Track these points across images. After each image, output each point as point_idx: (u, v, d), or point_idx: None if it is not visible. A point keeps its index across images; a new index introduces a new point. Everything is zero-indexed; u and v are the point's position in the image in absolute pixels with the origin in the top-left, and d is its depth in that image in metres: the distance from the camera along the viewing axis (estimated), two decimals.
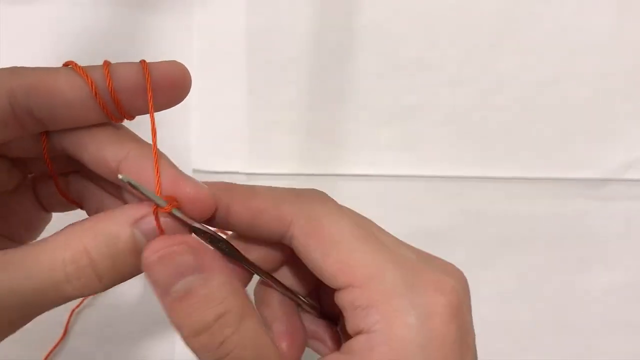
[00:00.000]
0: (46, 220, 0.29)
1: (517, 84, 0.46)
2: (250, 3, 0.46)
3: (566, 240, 0.46)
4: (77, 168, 0.26)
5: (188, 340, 0.22)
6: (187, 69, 0.23)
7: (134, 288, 0.44)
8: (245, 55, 0.46)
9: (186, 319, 0.22)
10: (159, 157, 0.23)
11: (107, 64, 0.22)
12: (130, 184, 0.22)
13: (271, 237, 0.25)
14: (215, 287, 0.22)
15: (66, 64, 0.22)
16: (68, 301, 0.22)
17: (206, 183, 0.24)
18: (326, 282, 0.24)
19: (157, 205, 0.22)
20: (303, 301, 0.28)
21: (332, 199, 0.26)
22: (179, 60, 0.23)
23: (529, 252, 0.46)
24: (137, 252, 0.22)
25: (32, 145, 0.24)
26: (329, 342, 0.29)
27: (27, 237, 0.28)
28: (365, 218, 0.26)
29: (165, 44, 0.46)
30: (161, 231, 0.23)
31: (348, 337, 0.24)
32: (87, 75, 0.22)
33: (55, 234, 0.22)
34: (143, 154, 0.23)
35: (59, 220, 0.27)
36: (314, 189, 0.26)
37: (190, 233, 0.24)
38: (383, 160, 0.46)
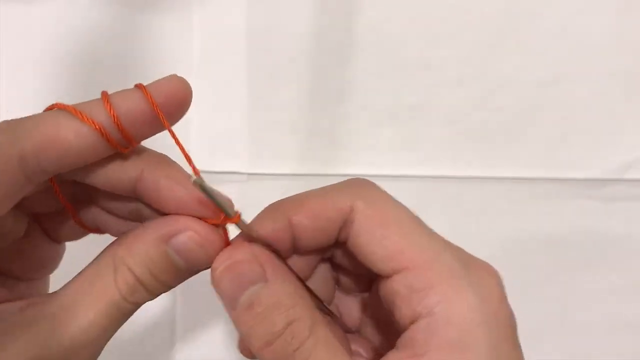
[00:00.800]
0: (60, 252, 0.29)
1: (517, 84, 0.46)
2: (250, 3, 0.46)
3: (566, 240, 0.46)
4: (85, 197, 0.26)
5: (260, 351, 0.22)
6: (187, 82, 0.23)
7: None
8: (245, 55, 0.46)
9: (256, 329, 0.22)
10: (173, 166, 0.24)
11: (106, 98, 0.22)
12: (203, 189, 0.22)
13: (332, 234, 0.25)
14: (283, 295, 0.23)
15: (52, 107, 0.22)
16: (127, 317, 0.25)
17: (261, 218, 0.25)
18: (379, 266, 0.24)
19: (227, 215, 0.23)
20: (329, 311, 0.28)
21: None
22: (177, 73, 0.23)
23: (529, 252, 0.46)
24: (173, 266, 0.24)
25: (40, 191, 0.24)
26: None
27: (45, 272, 0.29)
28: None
29: (165, 44, 0.46)
30: (227, 243, 0.24)
31: (368, 345, 0.25)
32: (90, 120, 0.21)
33: (99, 256, 0.24)
34: (156, 170, 0.23)
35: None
36: (360, 179, 0.27)
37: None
38: (383, 160, 0.46)
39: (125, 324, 0.47)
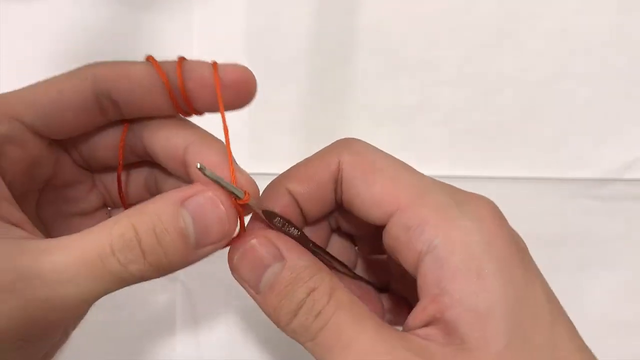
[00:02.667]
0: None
1: (517, 84, 0.46)
2: (250, 3, 0.46)
3: (566, 240, 0.46)
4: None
5: (287, 327, 0.23)
6: (252, 74, 0.25)
7: (134, 288, 0.43)
8: (245, 55, 0.46)
9: (280, 306, 0.23)
10: (220, 143, 0.25)
11: (181, 60, 0.24)
12: (206, 174, 0.22)
13: (330, 194, 0.26)
14: (301, 269, 0.23)
15: (147, 59, 0.24)
16: (116, 283, 0.22)
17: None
18: (373, 214, 0.24)
19: (236, 197, 0.23)
20: (355, 274, 0.29)
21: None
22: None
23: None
24: (182, 233, 0.21)
25: (109, 146, 0.27)
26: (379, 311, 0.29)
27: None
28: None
29: (165, 44, 0.46)
30: (242, 226, 0.24)
31: (395, 302, 0.25)
32: (160, 68, 0.23)
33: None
34: (205, 142, 0.25)
35: None
36: (346, 137, 0.27)
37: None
38: None
39: (125, 323, 0.47)
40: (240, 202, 0.23)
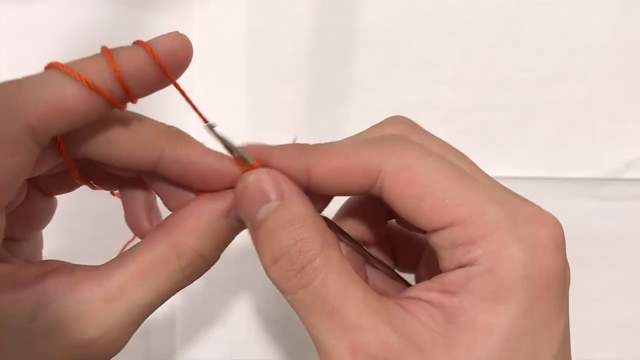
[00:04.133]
0: (53, 206, 0.29)
1: (517, 83, 0.46)
2: (250, 3, 0.46)
3: (566, 240, 0.46)
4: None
5: (268, 271, 0.23)
6: (187, 38, 0.23)
7: None
8: (245, 55, 0.46)
9: (267, 245, 0.23)
10: (184, 136, 0.25)
11: (108, 53, 0.22)
12: (217, 133, 0.23)
13: (357, 191, 0.24)
14: (297, 213, 0.23)
15: (51, 66, 0.22)
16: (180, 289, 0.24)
17: (278, 147, 0.25)
18: (421, 226, 0.23)
19: (246, 162, 0.24)
20: (371, 256, 0.28)
21: (419, 131, 0.26)
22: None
23: None
24: (234, 231, 0.25)
25: (54, 164, 0.24)
26: None
27: (39, 228, 0.28)
28: (457, 151, 0.26)
29: None
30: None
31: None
32: (87, 81, 0.21)
33: (152, 240, 0.24)
34: (177, 148, 0.24)
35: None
36: (394, 135, 0.25)
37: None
38: None
39: None
40: (252, 169, 0.24)
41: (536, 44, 0.46)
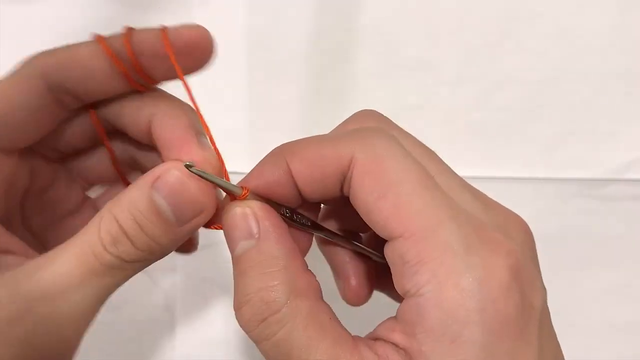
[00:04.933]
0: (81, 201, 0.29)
1: (517, 84, 0.46)
2: (250, 3, 0.46)
3: (566, 240, 0.46)
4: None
5: (235, 312, 0.22)
6: (208, 32, 0.23)
7: (134, 288, 0.44)
8: (245, 55, 0.46)
9: (237, 285, 0.22)
10: (187, 113, 0.24)
11: (128, 31, 0.23)
12: (195, 173, 0.22)
13: (332, 186, 0.23)
14: (267, 253, 0.21)
15: (94, 38, 0.23)
16: (117, 276, 0.22)
17: (259, 163, 0.24)
18: (376, 229, 0.22)
19: (234, 195, 0.23)
20: (370, 252, 0.28)
21: (393, 126, 0.25)
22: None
23: None
24: (160, 216, 0.22)
25: (84, 136, 0.26)
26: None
27: (66, 219, 0.29)
28: (428, 149, 0.24)
29: None
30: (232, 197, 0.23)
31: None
32: (106, 45, 0.22)
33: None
34: (169, 111, 0.24)
35: None
36: (371, 127, 0.24)
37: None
38: None
39: (125, 323, 0.47)
40: (240, 199, 0.23)
41: (536, 44, 0.46)
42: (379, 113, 0.26)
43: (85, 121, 0.26)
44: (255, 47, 0.46)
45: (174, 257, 0.45)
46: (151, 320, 0.44)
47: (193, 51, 0.23)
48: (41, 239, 0.27)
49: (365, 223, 0.24)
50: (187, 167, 0.22)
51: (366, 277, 0.28)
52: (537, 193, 0.46)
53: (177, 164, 0.22)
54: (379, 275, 0.29)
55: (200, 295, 0.45)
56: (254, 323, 0.21)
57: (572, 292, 0.46)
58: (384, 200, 0.21)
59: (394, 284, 0.22)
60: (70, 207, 0.28)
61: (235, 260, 0.22)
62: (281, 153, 0.24)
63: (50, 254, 0.21)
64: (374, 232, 0.23)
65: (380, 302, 0.29)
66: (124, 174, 0.29)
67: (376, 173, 0.21)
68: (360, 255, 0.29)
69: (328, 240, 0.28)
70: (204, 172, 0.22)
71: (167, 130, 0.23)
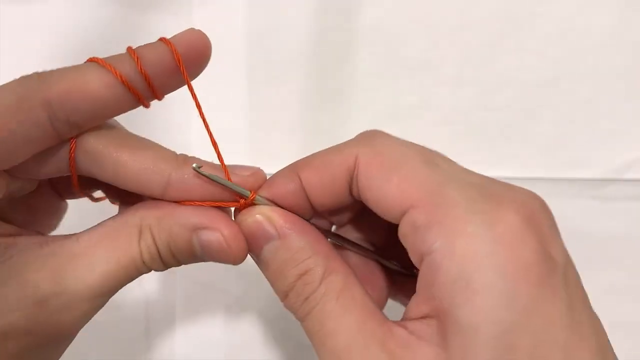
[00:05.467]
0: (63, 208, 0.30)
1: (517, 84, 0.46)
2: (250, 3, 0.46)
3: (566, 240, 0.45)
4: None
5: (283, 303, 0.24)
6: (205, 34, 0.24)
7: (134, 288, 0.44)
8: (245, 55, 0.46)
9: (275, 285, 0.24)
10: (192, 160, 0.24)
11: (132, 51, 0.23)
12: (204, 175, 0.23)
13: (341, 190, 0.25)
14: (297, 250, 0.23)
15: (90, 60, 0.23)
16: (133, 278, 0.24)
17: (274, 175, 0.26)
18: (387, 214, 0.23)
19: (241, 196, 0.24)
20: (383, 260, 0.29)
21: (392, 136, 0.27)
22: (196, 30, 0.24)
23: None
24: (192, 252, 0.24)
25: (60, 169, 0.25)
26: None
27: (50, 226, 0.29)
28: (432, 150, 0.26)
29: None
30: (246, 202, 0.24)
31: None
32: (115, 70, 0.22)
33: (124, 215, 0.24)
34: (183, 175, 0.24)
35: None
36: (371, 130, 0.26)
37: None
38: None
39: (125, 321, 0.47)
40: (248, 201, 0.24)
41: (536, 44, 0.46)
42: (383, 131, 0.27)
43: (62, 154, 0.24)
44: (255, 47, 0.46)
45: None
46: (151, 320, 0.44)
47: (195, 56, 0.23)
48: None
49: (373, 233, 0.27)
50: (195, 169, 0.23)
51: (378, 284, 0.29)
52: (537, 193, 0.46)
53: (223, 222, 0.24)
54: (393, 284, 0.29)
55: (200, 295, 0.45)
56: (298, 304, 0.23)
57: None
58: (389, 184, 0.23)
59: (411, 257, 0.23)
60: (27, 191, 0.28)
61: (265, 265, 0.24)
62: (291, 167, 0.25)
63: (87, 250, 0.23)
64: (385, 242, 0.25)
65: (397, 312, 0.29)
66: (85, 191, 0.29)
67: (379, 163, 0.23)
68: (373, 264, 0.29)
69: (339, 247, 0.28)
70: (212, 175, 0.23)
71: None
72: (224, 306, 0.45)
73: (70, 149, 0.23)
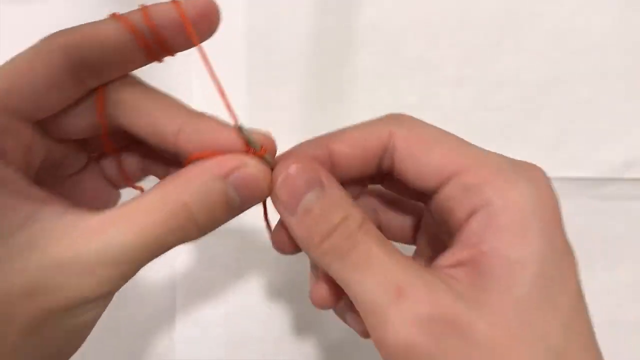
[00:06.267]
0: (116, 198, 0.31)
1: (517, 84, 0.46)
2: (250, 3, 0.46)
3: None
4: (130, 143, 0.29)
5: (318, 247, 0.24)
6: (215, 2, 0.26)
7: (135, 287, 0.44)
8: (245, 55, 0.46)
9: (316, 227, 0.24)
10: (210, 118, 0.26)
11: (144, 7, 0.24)
12: (241, 127, 0.25)
13: (372, 160, 0.27)
14: (338, 197, 0.25)
15: (110, 16, 0.25)
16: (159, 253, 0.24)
17: (295, 150, 0.27)
18: (431, 182, 0.25)
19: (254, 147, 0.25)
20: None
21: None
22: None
23: None
24: (228, 202, 0.24)
25: (92, 124, 0.26)
26: None
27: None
28: None
29: None
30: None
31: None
32: (125, 20, 0.24)
33: (147, 192, 0.24)
34: (196, 125, 0.25)
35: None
36: (401, 113, 0.28)
37: None
38: None
39: (125, 319, 0.47)
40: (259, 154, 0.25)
41: (536, 44, 0.46)
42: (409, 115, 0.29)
43: (90, 113, 0.26)
44: (255, 47, 0.46)
45: (174, 257, 0.45)
46: (151, 320, 0.44)
47: (204, 19, 0.25)
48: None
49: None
50: (235, 127, 0.24)
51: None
52: None
53: (249, 159, 0.24)
54: None
55: (200, 296, 0.45)
56: (339, 242, 0.24)
57: None
58: (432, 153, 0.25)
59: (453, 219, 0.25)
60: (77, 169, 0.29)
61: (307, 210, 0.24)
62: (321, 138, 0.27)
63: (108, 222, 0.23)
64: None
65: None
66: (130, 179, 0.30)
67: (417, 136, 0.26)
68: None
69: None
70: (245, 127, 0.24)
71: (203, 141, 0.25)
72: (224, 304, 0.45)
73: (98, 99, 0.25)
